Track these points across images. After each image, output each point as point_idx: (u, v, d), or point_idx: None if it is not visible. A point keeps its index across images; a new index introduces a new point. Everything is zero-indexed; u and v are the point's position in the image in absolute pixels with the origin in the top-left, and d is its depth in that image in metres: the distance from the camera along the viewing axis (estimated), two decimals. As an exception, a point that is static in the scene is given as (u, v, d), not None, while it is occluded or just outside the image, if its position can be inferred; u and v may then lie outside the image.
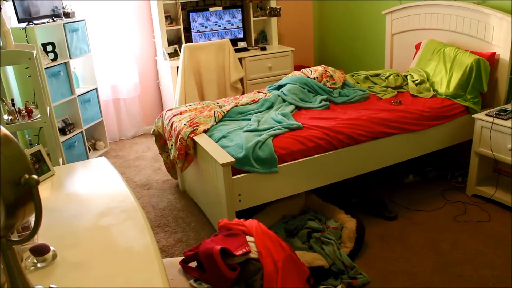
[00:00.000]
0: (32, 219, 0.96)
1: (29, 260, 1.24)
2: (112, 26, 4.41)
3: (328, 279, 2.33)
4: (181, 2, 4.49)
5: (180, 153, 2.92)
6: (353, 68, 4.76)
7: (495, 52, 3.20)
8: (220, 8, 4.69)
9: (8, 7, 3.54)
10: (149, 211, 3.24)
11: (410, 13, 3.86)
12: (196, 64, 4.06)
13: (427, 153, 3.18)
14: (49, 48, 3.78)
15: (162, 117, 3.36)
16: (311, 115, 3.07)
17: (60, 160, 3.22)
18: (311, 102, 3.28)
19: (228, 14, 4.73)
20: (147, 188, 3.62)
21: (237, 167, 2.55)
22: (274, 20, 4.90)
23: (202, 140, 2.78)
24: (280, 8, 4.84)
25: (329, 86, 3.47)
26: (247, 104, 3.29)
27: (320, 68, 3.62)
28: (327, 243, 2.46)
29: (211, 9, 4.66)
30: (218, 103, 3.36)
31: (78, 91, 4.07)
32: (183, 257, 1.98)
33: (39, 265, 1.23)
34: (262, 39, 5.06)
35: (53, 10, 3.78)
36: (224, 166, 2.46)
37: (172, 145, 3.07)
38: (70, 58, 3.87)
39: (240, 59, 4.46)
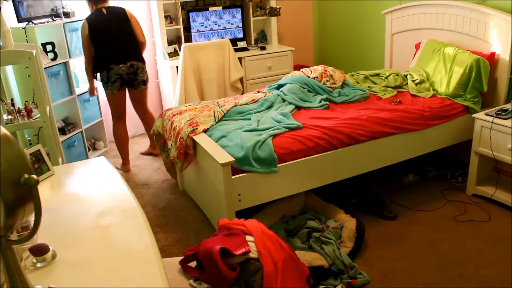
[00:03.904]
0: (31, 218, 0.96)
1: (28, 260, 1.24)
2: (111, 26, 4.40)
3: (328, 279, 2.33)
4: (180, 2, 4.48)
5: (180, 153, 2.92)
6: (353, 68, 4.75)
7: (495, 52, 3.19)
8: (220, 8, 4.69)
9: (8, 7, 3.53)
10: (148, 211, 3.23)
11: (410, 12, 3.86)
12: (196, 63, 4.06)
13: (427, 153, 3.18)
14: (49, 47, 3.77)
15: (162, 116, 3.36)
16: (311, 115, 3.07)
17: (60, 159, 3.22)
18: (310, 102, 3.28)
19: (228, 14, 4.73)
20: (146, 187, 3.62)
21: (237, 166, 2.55)
22: (274, 19, 4.89)
23: (202, 139, 2.78)
24: (280, 7, 4.84)
25: (329, 85, 3.46)
26: (246, 103, 3.29)
27: (319, 68, 3.62)
28: (327, 243, 2.46)
29: (210, 8, 4.65)
30: (217, 102, 3.36)
31: (78, 90, 4.07)
32: (182, 257, 1.98)
33: (38, 264, 1.23)
34: (262, 39, 5.06)
35: (52, 9, 3.77)
36: (223, 165, 2.46)
37: (171, 144, 3.07)
38: (69, 57, 3.87)
39: (240, 59, 4.46)
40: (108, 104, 3.89)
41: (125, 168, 4.01)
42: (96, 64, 3.70)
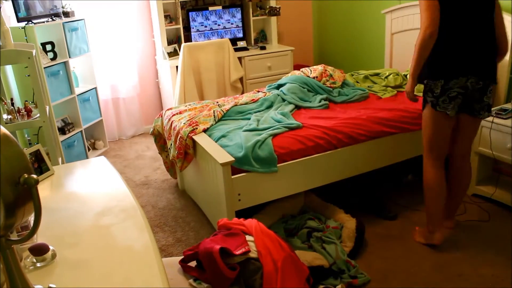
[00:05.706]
0: (31, 218, 0.96)
1: (28, 260, 1.24)
2: (111, 26, 4.40)
3: (328, 279, 2.33)
4: (180, 2, 4.48)
5: (180, 153, 2.92)
6: (353, 68, 4.75)
7: (495, 52, 3.19)
8: (220, 7, 4.69)
9: (8, 7, 3.53)
10: (148, 211, 3.23)
11: (409, 12, 3.85)
12: (196, 63, 4.05)
13: (427, 152, 3.17)
14: (49, 47, 3.77)
15: (161, 116, 3.35)
16: (310, 115, 3.07)
17: (60, 159, 3.22)
18: (310, 102, 3.28)
19: (228, 13, 4.72)
20: (146, 187, 3.62)
21: (237, 166, 2.55)
22: (273, 19, 4.89)
23: (202, 139, 2.78)
24: (279, 7, 4.83)
25: (329, 85, 3.46)
26: (246, 103, 3.29)
27: (319, 68, 3.62)
28: (329, 242, 2.46)
29: (210, 8, 4.65)
30: (217, 102, 3.36)
31: (78, 90, 4.07)
32: (182, 257, 1.98)
33: (38, 264, 1.23)
34: (262, 39, 5.06)
35: (52, 9, 3.77)
36: (223, 165, 2.45)
37: (171, 144, 3.07)
38: (69, 57, 3.86)
39: (240, 59, 4.45)
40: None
41: (435, 239, 2.57)
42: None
